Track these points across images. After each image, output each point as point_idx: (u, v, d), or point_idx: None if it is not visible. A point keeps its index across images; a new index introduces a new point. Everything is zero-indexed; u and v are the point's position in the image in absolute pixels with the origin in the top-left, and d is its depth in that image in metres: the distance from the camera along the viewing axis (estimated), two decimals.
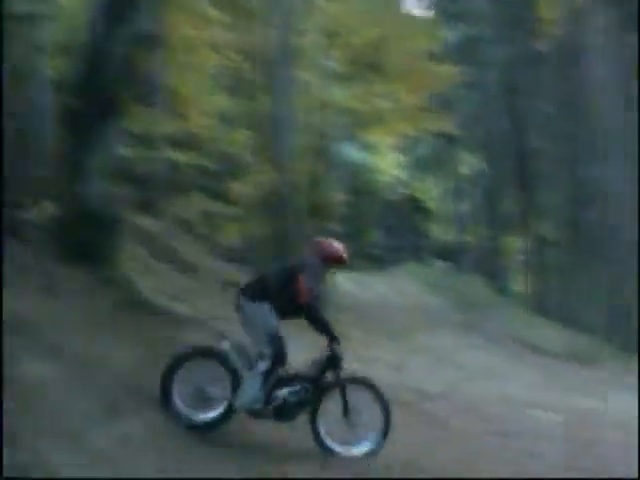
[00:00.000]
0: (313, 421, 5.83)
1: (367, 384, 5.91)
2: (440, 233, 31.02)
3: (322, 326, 5.83)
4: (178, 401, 5.78)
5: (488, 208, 27.50)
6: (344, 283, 14.20)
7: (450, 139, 25.88)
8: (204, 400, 5.84)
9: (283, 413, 5.89)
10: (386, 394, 5.79)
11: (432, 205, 30.08)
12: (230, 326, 6.51)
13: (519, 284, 27.18)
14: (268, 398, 5.83)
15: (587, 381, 12.01)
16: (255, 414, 5.87)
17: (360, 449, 5.82)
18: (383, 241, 28.61)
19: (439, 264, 28.93)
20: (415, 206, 29.50)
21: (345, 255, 6.15)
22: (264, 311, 5.82)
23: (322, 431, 5.82)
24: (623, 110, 19.87)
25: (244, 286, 6.01)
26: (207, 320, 8.57)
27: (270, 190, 13.00)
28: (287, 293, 5.85)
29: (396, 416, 5.81)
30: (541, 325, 18.31)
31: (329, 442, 5.81)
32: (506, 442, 6.79)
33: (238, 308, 5.95)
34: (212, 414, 5.87)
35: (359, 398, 5.83)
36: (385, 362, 9.87)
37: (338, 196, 20.13)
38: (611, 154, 19.21)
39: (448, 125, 19.02)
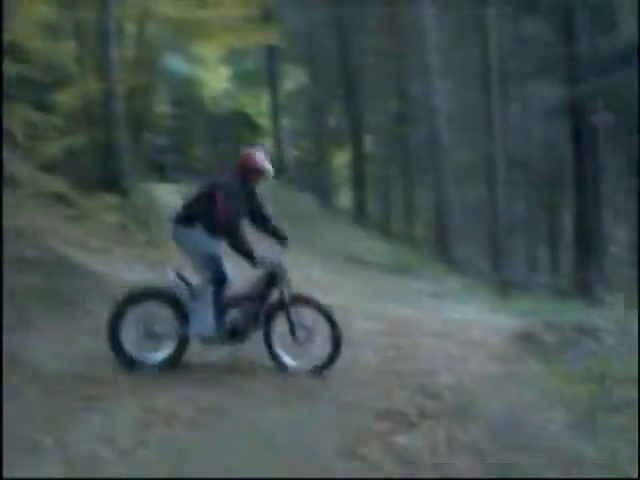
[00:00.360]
0: (266, 339, 5.94)
1: (310, 302, 6.02)
2: (268, 148, 31.05)
3: (240, 247, 5.75)
4: (128, 347, 5.80)
5: (314, 123, 27.76)
6: (167, 196, 13.97)
7: (275, 52, 25.73)
8: (155, 340, 5.74)
9: (236, 336, 5.88)
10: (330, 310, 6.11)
11: (260, 120, 29.93)
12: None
13: (345, 198, 27.94)
14: (219, 323, 5.75)
15: (405, 289, 12.63)
16: (209, 341, 5.81)
17: (310, 364, 6.12)
18: (209, 155, 28.27)
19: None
20: (243, 120, 29.25)
21: (263, 164, 6.00)
22: (195, 235, 5.73)
23: (276, 348, 5.97)
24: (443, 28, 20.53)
25: (175, 214, 5.85)
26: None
27: (93, 101, 12.60)
28: (209, 214, 5.72)
29: None
30: (363, 238, 18.91)
31: (284, 358, 6.12)
32: None
33: (174, 237, 5.78)
34: (165, 352, 5.78)
35: (305, 316, 5.98)
36: None
37: (163, 108, 19.61)
38: (433, 70, 19.83)
39: (274, 38, 18.83)
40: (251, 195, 6.13)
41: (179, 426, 5.00)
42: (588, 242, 19.69)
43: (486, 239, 21.71)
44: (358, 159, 24.87)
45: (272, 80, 27.56)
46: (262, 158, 6.07)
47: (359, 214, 23.57)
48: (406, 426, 5.25)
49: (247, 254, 5.76)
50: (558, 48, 20.54)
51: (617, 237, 23.74)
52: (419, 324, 8.82)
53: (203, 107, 27.17)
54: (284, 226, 6.64)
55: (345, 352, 6.96)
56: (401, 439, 5.00)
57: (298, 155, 29.95)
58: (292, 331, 6.05)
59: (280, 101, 28.03)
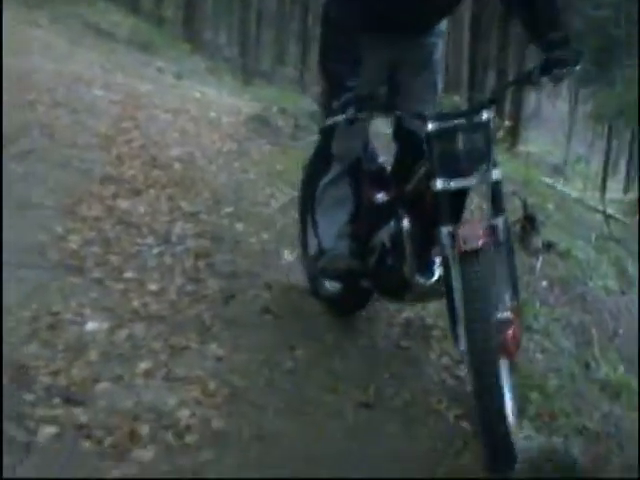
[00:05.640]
0: None
1: None
2: None
3: None
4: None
5: None
6: None
7: None
8: None
9: None
10: None
11: None
12: None
13: None
14: None
15: (147, 67, 12.25)
16: None
17: None
18: None
19: None
20: None
21: None
22: None
23: None
24: None
25: None
26: None
27: None
28: None
29: None
30: (109, 10, 17.81)
31: None
32: (61, 114, 6.79)
33: None
34: None
35: None
36: None
37: None
38: None
39: None
40: None
41: None
42: None
43: (237, 27, 21.38)
44: None
45: None
46: None
47: None
48: (131, 193, 5.24)
49: None
50: None
51: None
52: (157, 100, 8.64)
53: None
54: None
55: (75, 118, 6.73)
56: (124, 204, 5.00)
57: None
58: None
59: None
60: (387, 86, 3.53)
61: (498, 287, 2.84)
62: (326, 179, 3.69)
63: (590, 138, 37.62)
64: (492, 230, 2.87)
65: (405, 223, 3.32)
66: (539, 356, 4.21)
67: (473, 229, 2.83)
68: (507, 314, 2.80)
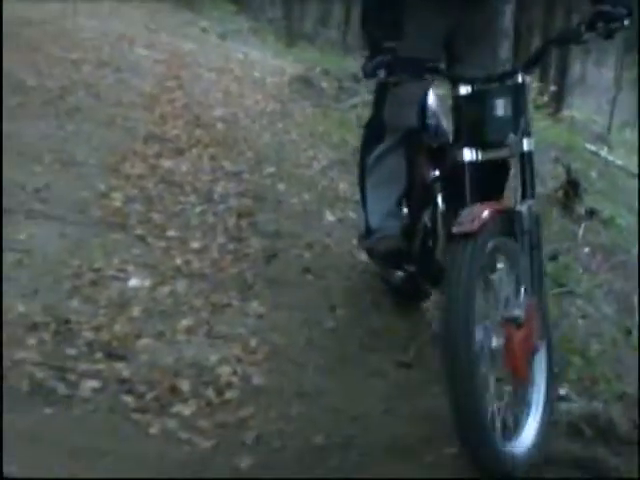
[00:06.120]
0: None
1: None
2: None
3: None
4: None
5: None
6: None
7: None
8: None
9: None
10: None
11: None
12: None
13: None
14: None
15: (191, 26, 12.21)
16: None
17: None
18: None
19: None
20: None
21: None
22: None
23: None
24: None
25: None
26: None
27: None
28: None
29: None
30: None
31: None
32: (105, 73, 6.83)
33: None
34: None
35: None
36: None
37: None
38: None
39: None
40: None
41: None
42: None
43: None
44: None
45: None
46: None
47: None
48: (174, 152, 5.28)
49: None
50: None
51: None
52: (201, 59, 8.66)
53: None
54: None
55: (120, 77, 6.76)
56: (167, 163, 5.04)
57: None
58: None
59: None
60: (446, 53, 3.20)
61: (513, 281, 2.49)
62: (377, 151, 3.32)
63: (636, 106, 36.74)
64: (510, 216, 2.50)
65: (440, 202, 3.07)
66: (581, 321, 4.17)
67: (479, 209, 2.42)
68: (517, 312, 2.41)
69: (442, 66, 2.91)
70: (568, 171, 5.94)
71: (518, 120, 2.59)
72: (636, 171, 8.55)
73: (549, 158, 6.64)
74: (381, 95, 3.17)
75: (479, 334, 2.32)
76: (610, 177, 7.80)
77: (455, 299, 2.26)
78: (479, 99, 2.62)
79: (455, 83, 2.68)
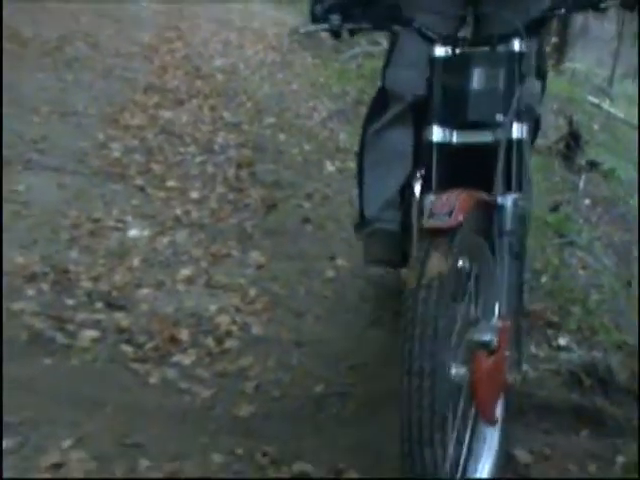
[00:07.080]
0: None
1: None
2: None
3: None
4: None
5: None
6: None
7: None
8: None
9: None
10: None
11: None
12: None
13: None
14: None
15: None
16: None
17: None
18: None
19: None
20: None
21: None
22: None
23: None
24: None
25: None
26: None
27: None
28: None
29: None
30: None
31: None
32: (104, 23, 6.75)
33: None
34: None
35: None
36: None
37: None
38: None
39: None
40: None
41: None
42: None
43: None
44: None
45: None
46: None
47: None
48: (174, 102, 5.23)
49: None
50: None
51: None
52: (201, 11, 8.54)
53: None
54: None
55: (119, 27, 6.69)
56: (167, 113, 5.00)
57: None
58: None
59: None
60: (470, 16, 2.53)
61: (486, 293, 1.96)
62: (379, 123, 2.63)
63: (636, 58, 36.28)
64: (489, 211, 1.95)
65: (416, 186, 2.30)
66: (581, 272, 4.15)
67: (451, 199, 1.79)
68: (488, 336, 1.84)
69: (414, 16, 2.19)
70: (570, 123, 5.89)
71: (509, 98, 2.02)
72: (637, 124, 8.48)
73: (551, 109, 6.58)
74: (388, 54, 2.58)
75: (443, 358, 1.77)
76: (611, 129, 7.74)
77: (421, 320, 1.75)
78: (458, 66, 2.08)
79: (431, 41, 2.12)
